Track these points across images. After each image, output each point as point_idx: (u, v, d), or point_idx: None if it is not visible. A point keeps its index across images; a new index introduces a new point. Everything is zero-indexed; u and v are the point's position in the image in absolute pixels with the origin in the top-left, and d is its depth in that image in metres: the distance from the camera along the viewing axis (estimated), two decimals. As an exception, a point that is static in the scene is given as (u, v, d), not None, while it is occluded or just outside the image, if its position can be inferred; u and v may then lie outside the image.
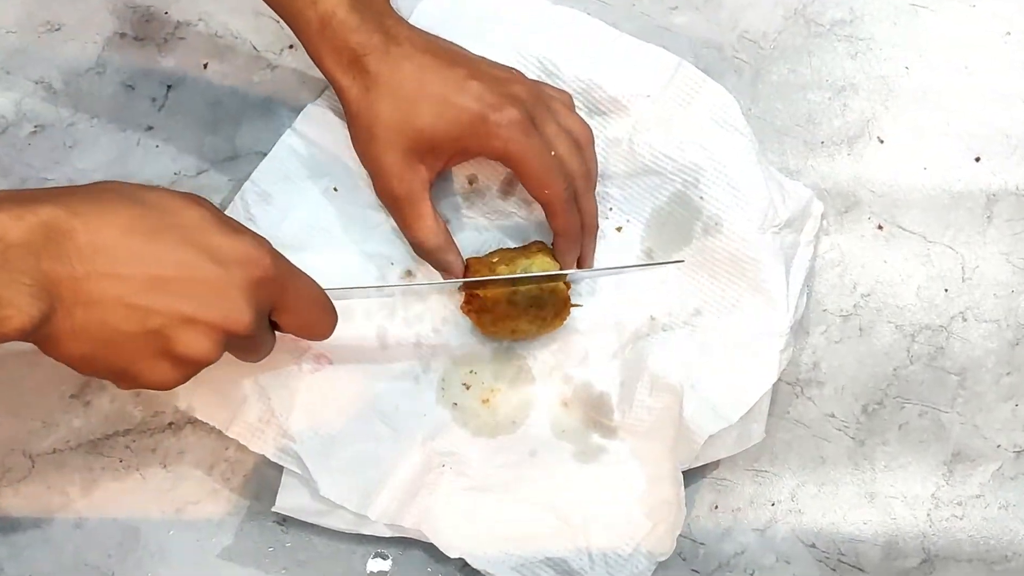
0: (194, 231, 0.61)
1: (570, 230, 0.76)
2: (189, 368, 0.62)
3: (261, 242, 0.64)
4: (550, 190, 0.73)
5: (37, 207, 0.57)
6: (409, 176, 0.74)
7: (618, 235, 0.83)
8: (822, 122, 0.88)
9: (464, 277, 0.77)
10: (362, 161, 0.77)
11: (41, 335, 0.58)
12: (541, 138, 0.72)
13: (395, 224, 0.79)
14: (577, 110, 0.81)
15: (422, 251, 0.77)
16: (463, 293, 0.78)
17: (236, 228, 0.63)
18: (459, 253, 0.78)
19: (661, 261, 0.80)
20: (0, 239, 0.55)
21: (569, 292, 0.78)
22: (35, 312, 0.56)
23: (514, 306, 0.76)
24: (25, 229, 0.56)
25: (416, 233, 0.76)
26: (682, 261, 0.79)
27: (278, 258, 0.64)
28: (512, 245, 0.81)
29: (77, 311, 0.58)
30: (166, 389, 0.63)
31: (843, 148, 0.88)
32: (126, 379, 0.62)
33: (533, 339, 0.80)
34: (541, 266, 0.76)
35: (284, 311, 0.66)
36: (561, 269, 0.77)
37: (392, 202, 0.76)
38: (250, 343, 0.64)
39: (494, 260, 0.77)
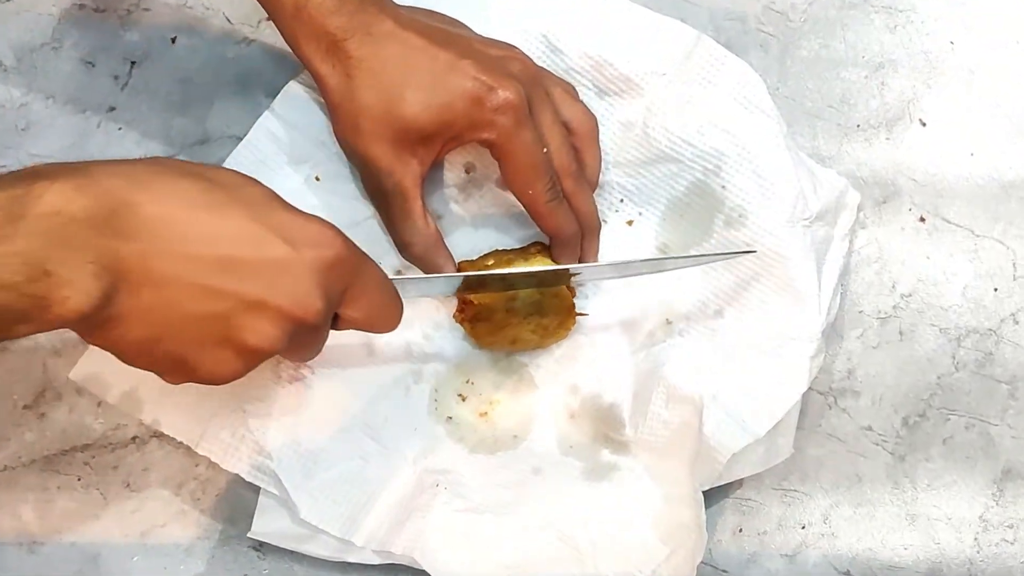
0: (260, 208, 0.61)
1: (561, 232, 0.76)
2: (251, 359, 0.62)
3: (329, 223, 0.63)
4: (533, 190, 0.74)
5: (98, 177, 0.56)
6: (399, 170, 0.74)
7: (629, 230, 0.83)
8: (857, 103, 0.88)
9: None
10: (346, 153, 0.77)
11: (98, 319, 0.57)
12: (534, 130, 0.72)
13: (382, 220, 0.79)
14: (585, 91, 0.81)
15: (409, 254, 0.77)
16: (456, 299, 0.78)
17: (296, 208, 0.63)
18: (451, 256, 0.78)
19: (730, 252, 0.79)
20: (60, 212, 0.54)
21: (575, 298, 0.78)
22: (96, 292, 0.56)
23: (513, 314, 0.76)
24: (88, 201, 0.55)
25: (403, 234, 0.76)
26: (754, 251, 0.79)
27: (348, 240, 0.64)
28: (511, 245, 0.81)
29: (144, 291, 0.58)
30: (223, 383, 0.62)
31: (881, 132, 0.88)
32: (182, 370, 0.62)
33: (528, 351, 0.80)
34: None
35: (353, 300, 0.65)
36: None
37: (379, 199, 0.76)
38: (315, 336, 0.64)
39: (489, 263, 0.77)
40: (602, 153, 0.80)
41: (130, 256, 0.57)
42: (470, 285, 0.75)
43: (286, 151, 0.80)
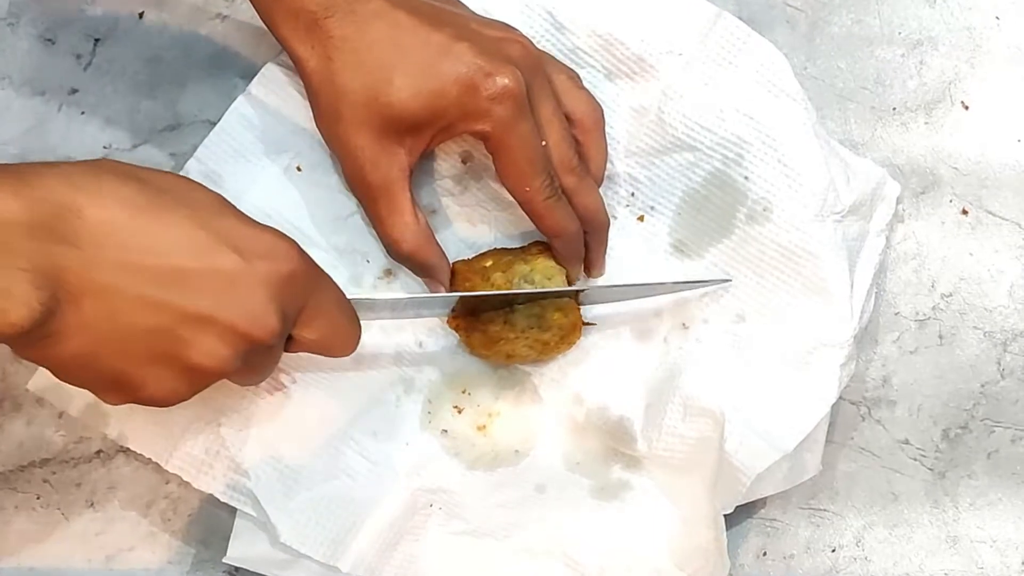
0: (209, 215, 0.61)
1: (560, 232, 0.76)
2: (198, 380, 0.62)
3: (284, 235, 0.63)
4: (530, 187, 0.73)
5: (37, 179, 0.56)
6: (385, 162, 0.74)
7: (640, 226, 0.82)
8: (894, 84, 0.87)
9: (451, 283, 0.77)
10: (327, 142, 0.76)
11: (38, 333, 0.57)
12: (532, 122, 0.72)
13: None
14: (594, 74, 0.81)
15: (397, 253, 0.77)
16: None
17: (248, 217, 0.63)
18: (444, 256, 0.77)
19: (702, 280, 0.80)
20: None
21: (580, 306, 0.78)
22: (36, 304, 0.55)
23: (510, 327, 0.77)
24: (26, 205, 0.55)
25: (390, 231, 0.75)
26: (729, 280, 0.80)
27: (305, 254, 0.64)
28: (511, 244, 0.81)
29: (84, 302, 0.57)
30: (165, 405, 0.62)
31: (919, 116, 0.87)
32: (122, 389, 0.61)
33: (532, 364, 0.80)
34: (543, 272, 0.77)
35: (309, 320, 0.65)
36: (567, 275, 0.78)
37: (364, 193, 0.76)
38: (267, 357, 0.64)
39: (487, 264, 0.77)
40: (612, 142, 0.80)
41: (70, 264, 0.56)
42: (466, 306, 0.76)
43: (264, 139, 0.80)
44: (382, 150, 0.73)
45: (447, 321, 0.78)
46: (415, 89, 0.71)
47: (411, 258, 0.76)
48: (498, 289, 0.76)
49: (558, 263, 0.77)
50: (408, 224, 0.75)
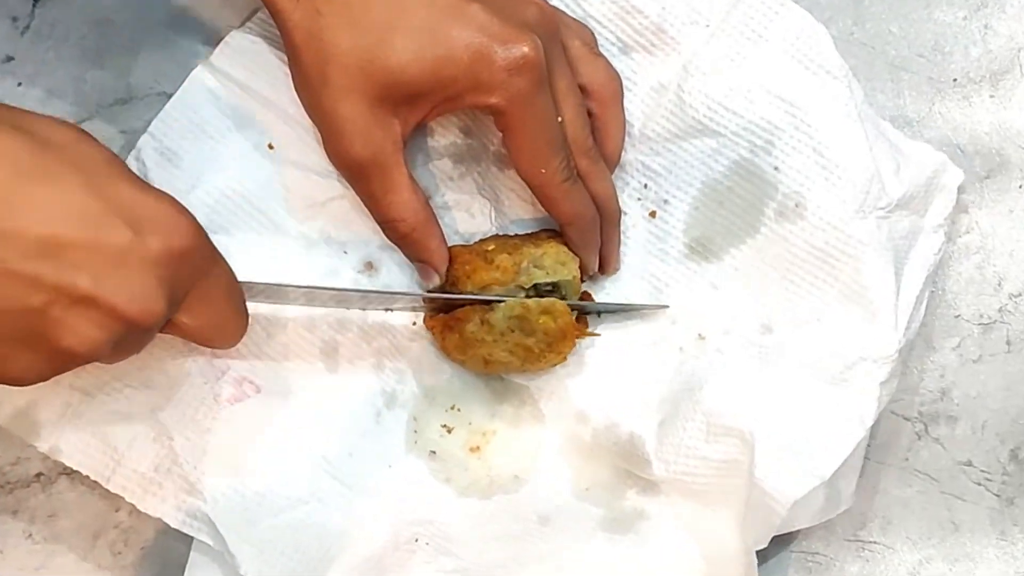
0: (100, 178, 0.59)
1: (577, 218, 0.76)
2: (63, 364, 0.60)
3: (182, 206, 0.62)
4: (546, 169, 0.73)
5: None
6: (378, 134, 0.72)
7: (652, 222, 0.81)
8: (954, 51, 0.86)
9: (448, 270, 0.77)
10: (309, 112, 0.75)
11: None
12: (549, 96, 0.72)
13: (352, 197, 0.77)
14: (607, 46, 0.81)
15: (395, 234, 0.76)
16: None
17: (144, 182, 0.62)
18: (443, 239, 0.76)
19: (637, 304, 0.80)
20: None
21: (575, 316, 0.77)
22: None
23: (488, 328, 0.75)
24: None
25: (387, 210, 0.74)
26: (666, 307, 0.80)
27: (202, 230, 0.62)
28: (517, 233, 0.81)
29: None
30: (18, 385, 0.61)
31: (984, 88, 0.86)
32: None
33: (515, 373, 0.80)
34: (555, 256, 0.76)
35: (193, 305, 0.64)
36: (580, 266, 0.77)
37: (353, 169, 0.74)
38: (141, 341, 0.63)
39: (489, 248, 0.76)
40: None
41: None
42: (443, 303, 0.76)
43: (229, 112, 0.79)
44: (374, 121, 0.72)
45: (424, 320, 0.78)
46: (418, 53, 0.69)
47: (409, 239, 0.75)
48: (504, 273, 0.75)
49: (572, 251, 0.77)
50: (407, 202, 0.74)
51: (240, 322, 0.68)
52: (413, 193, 0.74)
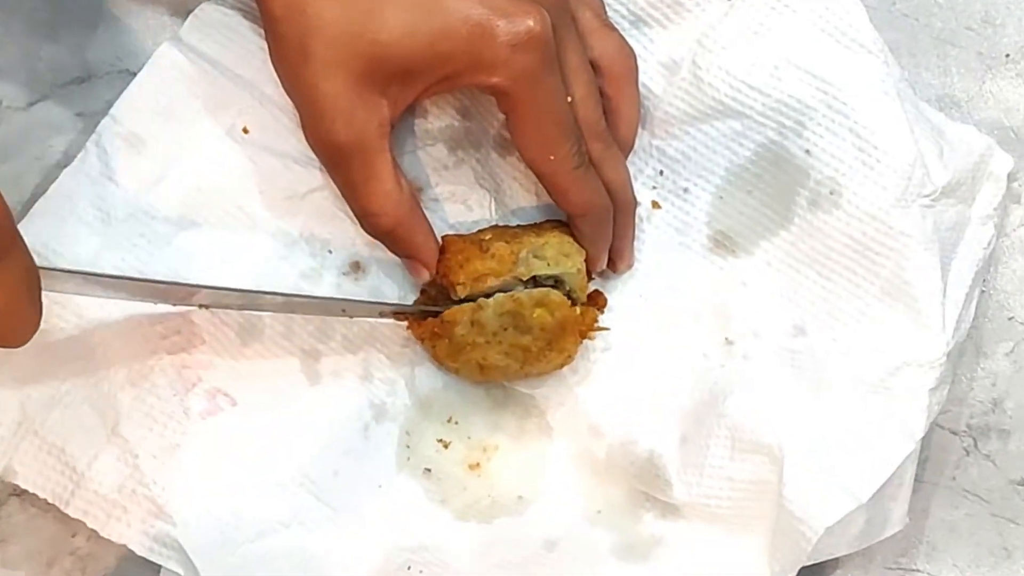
0: None
1: (591, 208, 0.75)
2: None
3: None
4: (555, 155, 0.72)
5: None
6: (362, 116, 0.71)
7: (671, 214, 0.80)
8: (1007, 23, 0.85)
9: (440, 260, 0.75)
10: (287, 89, 0.73)
11: None
12: (559, 75, 0.71)
13: (336, 187, 0.75)
14: (616, 19, 0.79)
15: (375, 229, 0.74)
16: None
17: None
18: (431, 233, 0.75)
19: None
20: None
21: (583, 306, 0.76)
22: None
23: (479, 329, 0.74)
24: None
25: (366, 202, 0.73)
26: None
27: (8, 210, 0.59)
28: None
29: None
30: None
31: None
32: None
33: (517, 380, 0.79)
34: (558, 247, 0.74)
35: None
36: (589, 262, 0.76)
37: (332, 153, 0.73)
38: None
39: (486, 237, 0.75)
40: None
41: None
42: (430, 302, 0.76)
43: (199, 93, 0.77)
44: (359, 100, 0.70)
45: (408, 327, 0.77)
46: (411, 25, 0.68)
47: (392, 235, 0.74)
48: (500, 263, 0.74)
49: (579, 244, 0.76)
50: (389, 193, 0.72)
51: (31, 318, 0.64)
52: (396, 184, 0.73)
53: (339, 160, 0.73)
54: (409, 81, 0.71)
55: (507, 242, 0.74)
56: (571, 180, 0.72)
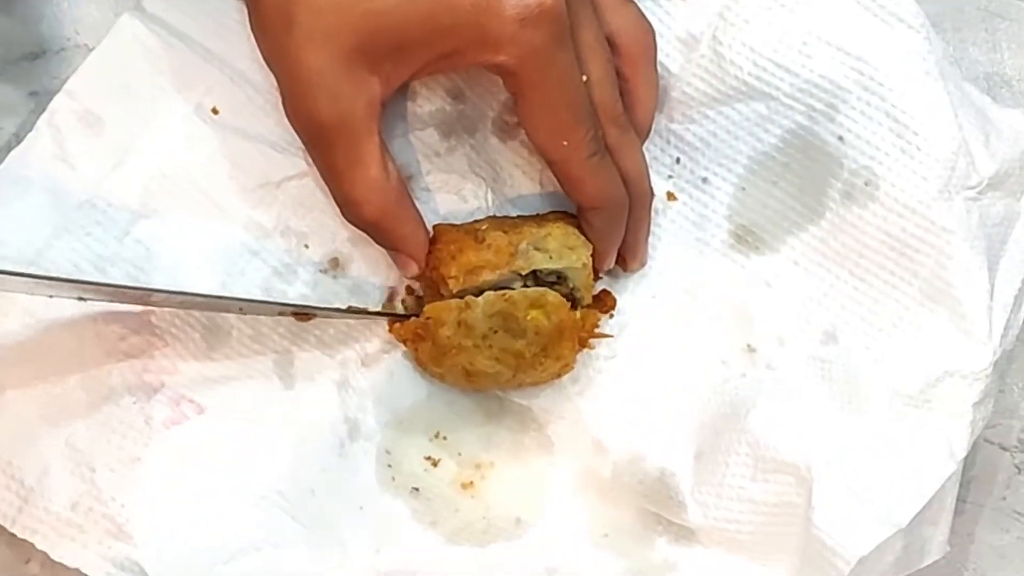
0: None
1: (605, 200, 0.73)
2: None
3: None
4: (569, 140, 0.70)
5: None
6: (349, 93, 0.69)
7: (688, 205, 0.78)
8: None
9: (430, 252, 0.74)
10: (267, 60, 0.72)
11: None
12: (572, 53, 0.69)
13: (318, 176, 0.74)
14: None
15: (358, 219, 0.72)
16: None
17: None
18: (420, 222, 0.74)
19: None
20: None
21: (585, 309, 0.74)
22: None
23: (466, 331, 0.72)
24: None
25: (349, 189, 0.71)
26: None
27: None
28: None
29: None
30: None
31: None
32: None
33: (510, 389, 0.78)
34: (561, 239, 0.73)
35: None
36: (596, 259, 0.74)
37: (314, 134, 0.71)
38: None
39: (482, 227, 0.73)
40: (654, 85, 0.79)
41: None
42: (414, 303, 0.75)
43: (163, 68, 0.76)
44: (347, 76, 0.68)
45: (390, 328, 0.76)
46: None
47: (377, 226, 0.73)
48: (497, 254, 0.72)
49: (587, 238, 0.74)
50: (374, 180, 0.70)
51: None
52: (383, 170, 0.71)
53: (321, 141, 0.71)
54: (404, 57, 0.69)
55: (505, 232, 0.73)
56: (586, 169, 0.71)
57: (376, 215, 0.72)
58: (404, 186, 0.73)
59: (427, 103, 0.78)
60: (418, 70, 0.71)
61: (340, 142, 0.70)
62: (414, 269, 0.74)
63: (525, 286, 0.72)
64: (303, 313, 0.75)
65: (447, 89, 0.78)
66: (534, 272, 0.72)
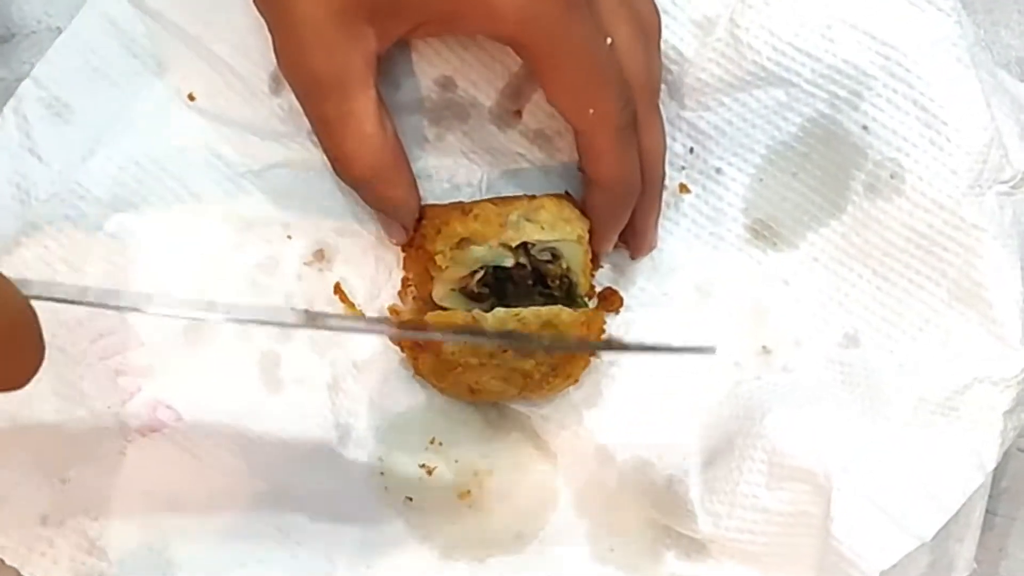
0: None
1: (620, 183, 0.71)
2: None
3: None
4: (596, 108, 0.68)
5: None
6: (344, 45, 0.68)
7: (702, 197, 0.77)
8: None
9: (416, 232, 0.73)
10: (260, 7, 0.70)
11: None
12: (588, 19, 0.67)
13: (300, 163, 0.74)
14: None
15: (349, 176, 0.71)
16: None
17: None
18: (415, 188, 0.72)
19: (677, 347, 0.76)
20: None
21: (587, 312, 0.72)
22: None
23: (473, 348, 0.72)
24: None
25: (342, 142, 0.70)
26: (712, 349, 0.74)
27: None
28: None
29: None
30: None
31: None
32: None
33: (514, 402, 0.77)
34: (555, 211, 0.71)
35: None
36: (595, 242, 0.72)
37: (308, 87, 0.70)
38: None
39: (473, 212, 0.72)
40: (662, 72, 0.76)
41: None
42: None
43: (138, 52, 0.74)
44: (343, 29, 0.67)
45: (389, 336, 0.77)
46: None
47: (370, 183, 0.71)
48: (485, 225, 0.70)
49: (583, 212, 0.72)
50: (369, 136, 0.69)
51: (31, 355, 0.58)
52: (379, 126, 0.70)
53: (315, 93, 0.70)
54: (402, 11, 0.68)
55: (495, 205, 0.71)
56: (612, 142, 0.69)
57: (368, 173, 0.71)
58: (400, 147, 0.72)
59: (416, 89, 0.76)
60: (416, 26, 0.69)
61: (334, 94, 0.69)
62: (403, 237, 0.73)
63: (518, 264, 0.70)
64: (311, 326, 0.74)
65: (434, 79, 0.76)
66: (527, 249, 0.70)
